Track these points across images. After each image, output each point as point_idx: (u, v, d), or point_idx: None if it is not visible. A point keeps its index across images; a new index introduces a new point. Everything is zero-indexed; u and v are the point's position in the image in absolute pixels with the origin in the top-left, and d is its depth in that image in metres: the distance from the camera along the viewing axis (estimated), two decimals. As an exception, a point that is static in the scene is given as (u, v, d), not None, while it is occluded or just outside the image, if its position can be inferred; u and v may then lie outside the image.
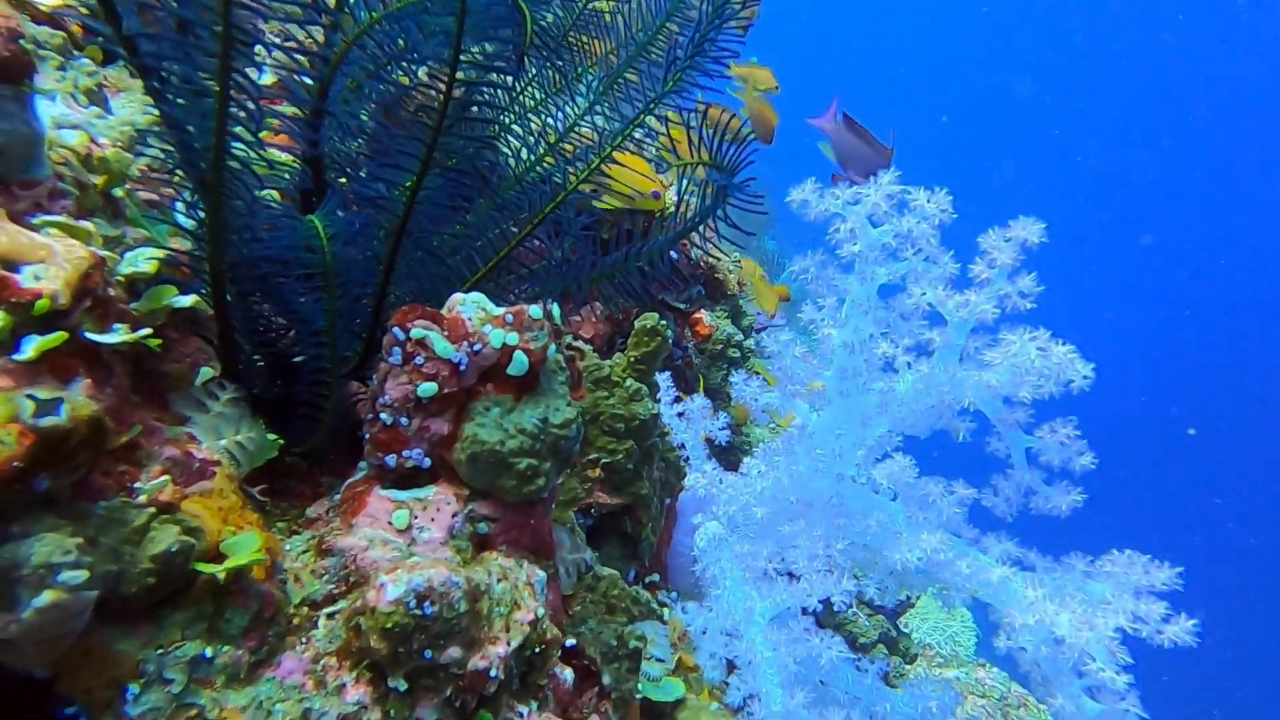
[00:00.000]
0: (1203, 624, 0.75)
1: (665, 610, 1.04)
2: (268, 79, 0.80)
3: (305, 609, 0.61)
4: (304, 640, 0.60)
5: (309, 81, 0.67)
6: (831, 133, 1.51)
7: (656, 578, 1.20)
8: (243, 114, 0.59)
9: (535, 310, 0.70)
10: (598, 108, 0.88)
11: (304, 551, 0.65)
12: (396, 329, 0.67)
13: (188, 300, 0.62)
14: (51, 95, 0.65)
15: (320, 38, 0.69)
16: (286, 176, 0.77)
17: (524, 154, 0.88)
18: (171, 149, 0.58)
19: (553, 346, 0.72)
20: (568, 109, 0.89)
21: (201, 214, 0.61)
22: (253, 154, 0.61)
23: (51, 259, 0.51)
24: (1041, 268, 0.92)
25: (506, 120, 0.88)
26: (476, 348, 0.67)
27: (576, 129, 0.89)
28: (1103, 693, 0.81)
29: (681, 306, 2.15)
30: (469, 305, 0.69)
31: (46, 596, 0.45)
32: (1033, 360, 0.89)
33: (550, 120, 0.91)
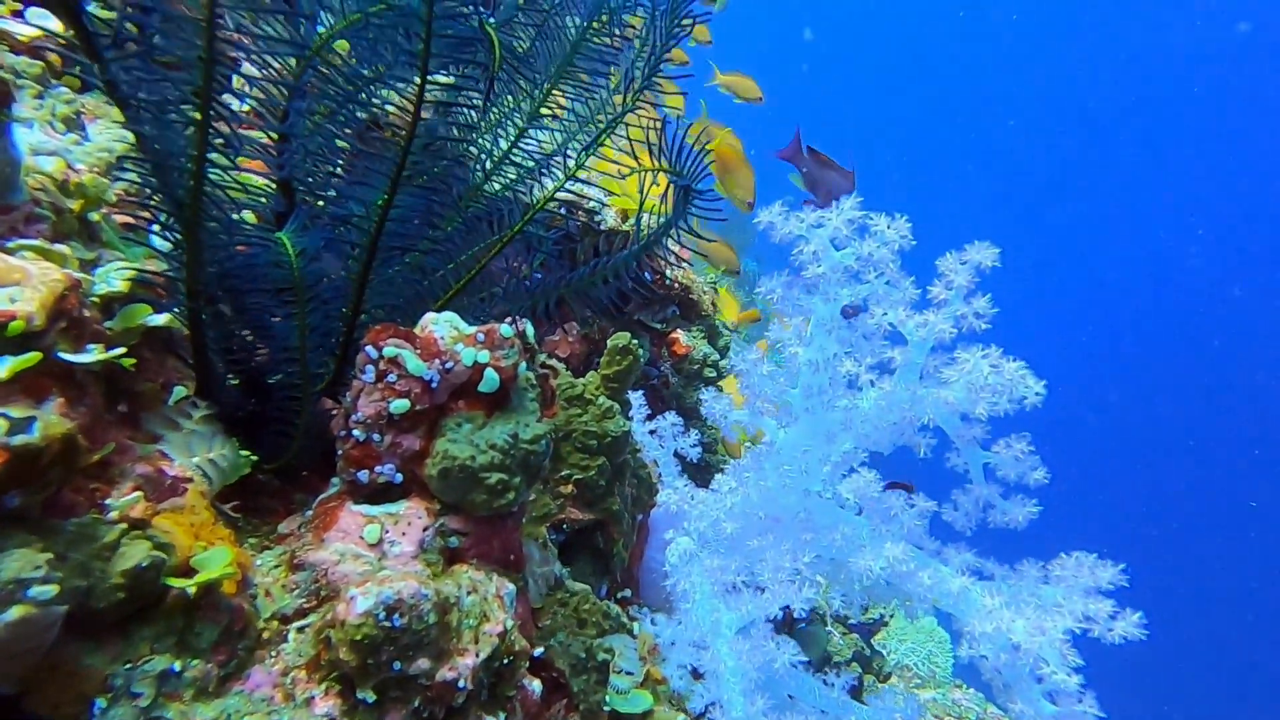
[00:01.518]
0: (1151, 619, 0.79)
1: (635, 624, 1.06)
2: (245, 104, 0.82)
3: (275, 623, 0.62)
4: (274, 654, 0.61)
5: (271, 105, 0.69)
6: (799, 164, 1.58)
7: (628, 593, 1.21)
8: (219, 139, 0.61)
9: (506, 329, 0.72)
10: (564, 125, 0.91)
11: (275, 566, 0.66)
12: (370, 347, 0.69)
13: (161, 319, 0.64)
14: (29, 123, 0.67)
15: (292, 64, 0.71)
16: (262, 200, 0.79)
17: (488, 165, 0.90)
18: (148, 173, 0.60)
19: (524, 364, 0.74)
20: (526, 126, 0.91)
21: (178, 235, 0.62)
22: (228, 176, 0.63)
23: (26, 281, 0.52)
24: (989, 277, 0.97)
25: (474, 136, 0.90)
26: (448, 365, 0.69)
27: (540, 144, 0.91)
28: (1060, 696, 0.84)
29: (658, 326, 2.18)
30: (441, 324, 0.71)
31: (15, 612, 0.46)
32: (986, 377, 0.92)
33: (519, 138, 0.93)
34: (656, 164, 0.84)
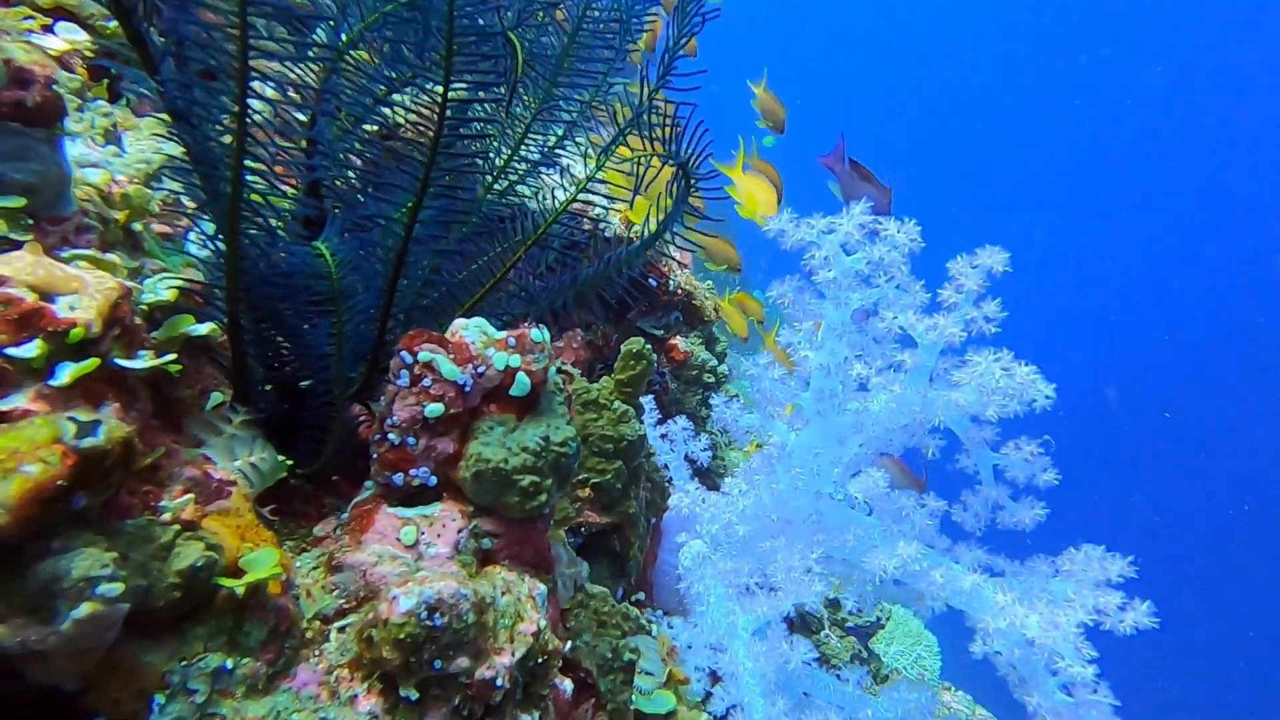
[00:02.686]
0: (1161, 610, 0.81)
1: (654, 627, 1.07)
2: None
3: (317, 623, 0.64)
4: (317, 653, 0.62)
5: (300, 117, 0.71)
6: (839, 173, 1.60)
7: (642, 596, 1.22)
8: (259, 149, 0.63)
9: (536, 333, 0.74)
10: (571, 115, 0.93)
11: (314, 568, 0.68)
12: (404, 353, 0.70)
13: (204, 328, 0.65)
14: (73, 136, 0.68)
15: (317, 73, 0.73)
16: (289, 206, 0.80)
17: (499, 163, 0.92)
18: (195, 184, 0.61)
19: (553, 368, 0.76)
20: (535, 117, 0.93)
21: (221, 244, 0.64)
22: (271, 185, 0.64)
23: (84, 290, 0.54)
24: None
25: (494, 135, 0.91)
26: (481, 370, 0.71)
27: (547, 139, 0.93)
28: (1075, 688, 0.86)
29: (658, 333, 2.20)
30: (472, 329, 0.73)
31: (85, 608, 0.47)
32: (998, 380, 0.95)
33: (526, 133, 0.94)
34: (649, 146, 0.86)
